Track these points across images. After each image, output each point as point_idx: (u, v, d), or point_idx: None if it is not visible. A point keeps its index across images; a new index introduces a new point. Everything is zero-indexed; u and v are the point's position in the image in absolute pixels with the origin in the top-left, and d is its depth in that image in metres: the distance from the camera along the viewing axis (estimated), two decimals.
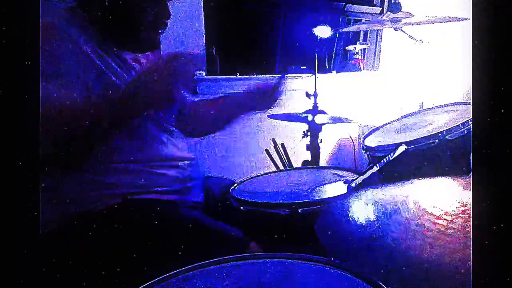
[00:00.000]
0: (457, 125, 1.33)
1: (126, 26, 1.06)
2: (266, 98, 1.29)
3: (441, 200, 0.74)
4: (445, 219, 0.66)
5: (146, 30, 1.07)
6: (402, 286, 0.54)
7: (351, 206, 0.80)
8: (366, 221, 0.72)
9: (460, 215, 0.67)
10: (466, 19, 1.76)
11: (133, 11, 1.04)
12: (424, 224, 0.66)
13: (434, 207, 0.71)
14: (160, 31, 1.10)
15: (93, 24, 1.05)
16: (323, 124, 1.94)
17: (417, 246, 0.61)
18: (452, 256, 0.56)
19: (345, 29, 2.64)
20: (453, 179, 0.86)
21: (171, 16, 1.10)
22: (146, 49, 1.16)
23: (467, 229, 0.62)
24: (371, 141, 1.57)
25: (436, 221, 0.66)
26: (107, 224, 0.98)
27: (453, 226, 0.64)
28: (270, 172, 1.44)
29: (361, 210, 0.77)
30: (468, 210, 0.68)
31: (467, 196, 0.73)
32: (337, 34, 3.07)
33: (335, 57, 3.27)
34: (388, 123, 1.73)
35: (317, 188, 1.20)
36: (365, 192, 0.87)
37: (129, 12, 1.04)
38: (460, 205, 0.70)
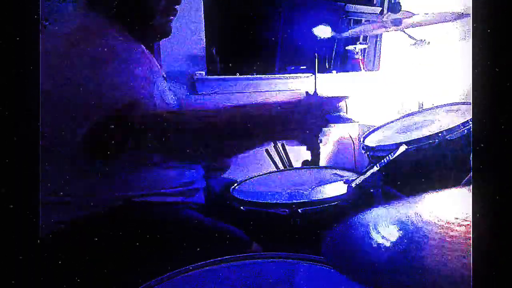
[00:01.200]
0: (457, 125, 1.33)
1: (139, 13, 1.07)
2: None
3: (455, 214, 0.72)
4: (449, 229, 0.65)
5: (160, 17, 1.08)
6: None
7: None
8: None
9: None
10: (466, 15, 1.75)
11: None
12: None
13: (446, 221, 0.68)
14: (171, 18, 1.11)
15: (109, 16, 1.05)
16: None
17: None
18: (453, 259, 0.56)
19: (346, 33, 2.64)
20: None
21: (181, 2, 1.11)
22: (159, 37, 1.16)
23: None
24: (371, 141, 1.57)
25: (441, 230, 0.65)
26: (109, 226, 0.98)
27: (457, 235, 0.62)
28: (270, 172, 1.44)
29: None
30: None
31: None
32: (338, 36, 3.07)
33: (335, 57, 3.27)
34: (388, 123, 1.73)
35: (317, 188, 1.20)
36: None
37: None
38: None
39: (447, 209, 0.73)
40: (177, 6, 1.11)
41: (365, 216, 0.78)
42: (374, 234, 0.69)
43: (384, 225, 0.72)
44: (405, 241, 0.65)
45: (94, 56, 0.93)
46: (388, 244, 0.65)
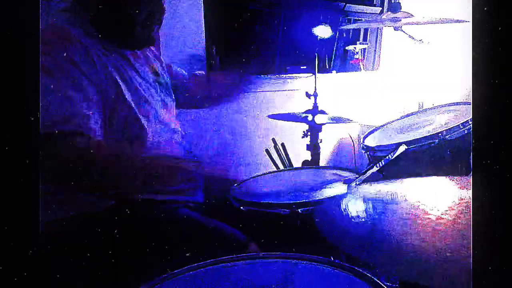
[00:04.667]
0: (457, 125, 1.33)
1: (122, 23, 1.06)
2: None
3: (432, 197, 0.77)
4: (436, 215, 0.67)
5: (142, 27, 1.07)
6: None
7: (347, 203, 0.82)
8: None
9: (452, 210, 0.68)
10: (465, 21, 1.76)
11: (129, 8, 1.05)
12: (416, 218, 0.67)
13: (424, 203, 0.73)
14: (155, 27, 1.10)
15: (93, 23, 1.05)
16: (323, 124, 1.94)
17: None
18: (445, 248, 0.57)
19: (345, 27, 2.64)
20: (448, 178, 0.89)
21: (165, 12, 1.10)
22: (142, 45, 1.17)
23: (458, 222, 0.63)
24: (371, 141, 1.57)
25: (427, 216, 0.67)
26: (107, 224, 0.98)
27: (445, 220, 0.65)
28: (270, 172, 1.44)
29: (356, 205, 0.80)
30: (460, 205, 0.69)
31: (463, 194, 0.75)
32: (337, 34, 3.07)
33: (335, 57, 3.27)
34: (388, 123, 1.73)
35: (317, 188, 1.19)
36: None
37: (124, 9, 1.05)
38: (455, 202, 0.71)
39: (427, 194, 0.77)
40: (163, 16, 1.11)
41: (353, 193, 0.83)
42: (358, 209, 0.75)
43: (368, 202, 0.77)
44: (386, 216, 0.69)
45: (44, 64, 0.91)
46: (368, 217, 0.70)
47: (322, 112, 1.96)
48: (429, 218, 0.66)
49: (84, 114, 0.92)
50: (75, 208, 0.99)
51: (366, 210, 0.77)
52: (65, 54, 0.94)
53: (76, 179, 0.90)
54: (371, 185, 0.90)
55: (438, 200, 0.75)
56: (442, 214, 0.67)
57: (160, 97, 1.18)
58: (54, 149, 0.87)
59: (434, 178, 0.91)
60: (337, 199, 0.86)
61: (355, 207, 0.79)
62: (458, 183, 0.86)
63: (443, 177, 0.90)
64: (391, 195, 0.81)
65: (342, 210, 0.77)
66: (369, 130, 1.70)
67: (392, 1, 1.92)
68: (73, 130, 0.90)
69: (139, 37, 1.09)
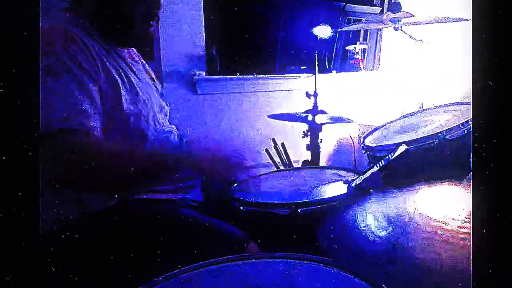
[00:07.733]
0: (457, 125, 1.32)
1: (118, 20, 1.07)
2: None
3: (447, 208, 0.75)
4: (450, 228, 0.66)
5: (139, 23, 1.07)
6: None
7: (357, 217, 0.80)
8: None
9: (465, 223, 0.67)
10: (465, 19, 1.76)
11: (125, 4, 1.05)
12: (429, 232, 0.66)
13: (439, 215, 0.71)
14: (152, 23, 1.10)
15: (91, 22, 1.05)
16: (323, 124, 1.94)
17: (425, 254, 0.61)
18: (455, 261, 0.56)
19: (345, 28, 2.65)
20: (457, 185, 0.87)
21: (161, 7, 1.11)
22: (140, 42, 1.17)
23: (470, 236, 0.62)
24: (371, 141, 1.57)
25: (441, 230, 0.66)
26: (106, 224, 0.98)
27: (457, 234, 0.64)
28: (270, 172, 1.44)
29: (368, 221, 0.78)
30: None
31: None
32: (337, 34, 3.08)
33: (335, 57, 3.27)
34: (388, 123, 1.73)
35: (317, 188, 1.19)
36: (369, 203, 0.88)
37: (120, 6, 1.05)
38: (466, 213, 0.70)
39: (440, 205, 0.76)
40: (160, 12, 1.10)
41: (359, 209, 0.82)
42: (367, 226, 0.73)
43: (377, 218, 0.76)
44: (397, 233, 0.68)
45: (47, 64, 0.91)
46: (380, 235, 0.69)
47: (322, 112, 1.97)
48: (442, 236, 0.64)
49: (86, 113, 0.93)
50: (74, 208, 0.99)
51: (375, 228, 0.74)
52: (69, 54, 0.94)
53: (77, 178, 0.91)
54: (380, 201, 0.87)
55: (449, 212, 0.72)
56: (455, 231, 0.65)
57: (157, 101, 1.18)
58: (55, 147, 0.88)
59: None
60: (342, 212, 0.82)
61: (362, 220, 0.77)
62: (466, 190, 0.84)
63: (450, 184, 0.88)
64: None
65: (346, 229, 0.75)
66: (369, 130, 1.70)
67: (392, 1, 1.92)
68: (74, 128, 0.90)
69: (137, 33, 1.10)
